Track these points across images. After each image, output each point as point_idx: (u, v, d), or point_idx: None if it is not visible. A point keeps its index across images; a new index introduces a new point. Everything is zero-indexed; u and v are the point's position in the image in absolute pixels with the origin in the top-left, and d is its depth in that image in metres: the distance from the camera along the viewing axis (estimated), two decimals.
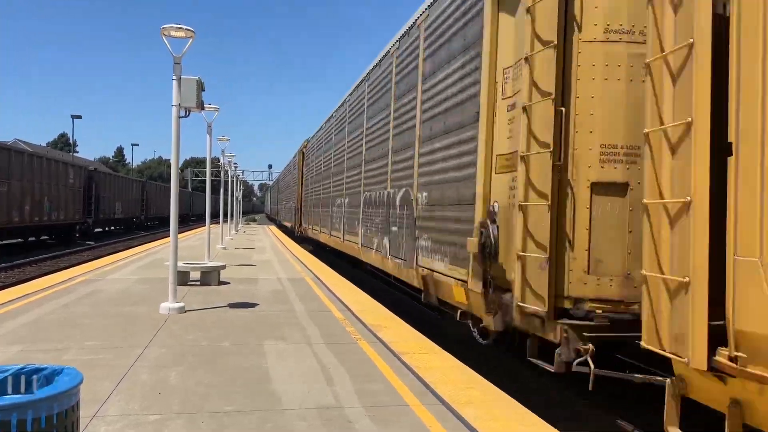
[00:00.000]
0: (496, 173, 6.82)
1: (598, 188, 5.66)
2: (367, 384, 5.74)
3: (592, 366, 5.25)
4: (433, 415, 4.91)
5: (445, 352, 7.17)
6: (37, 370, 3.01)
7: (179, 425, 4.58)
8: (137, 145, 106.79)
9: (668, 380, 4.55)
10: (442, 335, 9.63)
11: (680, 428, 4.49)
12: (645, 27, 5.03)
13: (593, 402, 6.78)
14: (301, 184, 32.03)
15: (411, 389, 5.61)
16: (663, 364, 4.85)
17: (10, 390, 2.97)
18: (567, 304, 5.67)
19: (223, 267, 13.30)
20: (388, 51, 12.63)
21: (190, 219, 77.77)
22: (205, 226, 18.09)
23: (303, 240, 31.17)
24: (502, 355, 8.77)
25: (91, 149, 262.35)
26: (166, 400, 5.13)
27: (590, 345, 5.36)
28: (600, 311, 5.52)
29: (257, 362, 6.44)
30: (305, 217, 30.11)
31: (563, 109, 5.66)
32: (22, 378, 2.99)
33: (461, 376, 6.13)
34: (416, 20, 10.42)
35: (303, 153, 31.81)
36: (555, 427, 4.81)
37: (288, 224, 42.04)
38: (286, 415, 4.83)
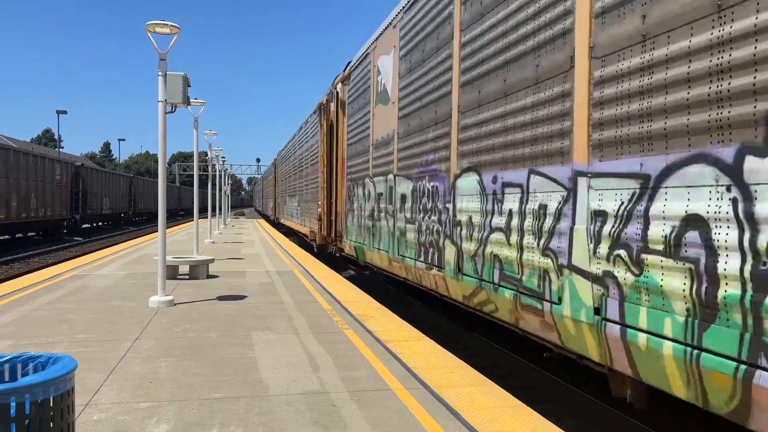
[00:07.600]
0: None
1: None
2: (353, 371, 5.93)
3: None
4: (415, 398, 5.11)
5: (429, 339, 7.37)
6: (32, 358, 3.16)
7: (170, 411, 4.74)
8: (124, 140, 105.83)
9: None
10: (428, 324, 9.83)
11: None
12: None
13: (570, 387, 7.01)
14: None
15: (395, 374, 5.80)
16: None
17: (7, 377, 3.12)
18: None
19: (212, 261, 13.43)
20: None
21: (178, 214, 77.56)
22: (193, 221, 18.15)
23: None
24: (484, 343, 8.99)
25: (76, 145, 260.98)
26: (156, 389, 5.29)
27: None
28: None
29: (245, 352, 6.61)
30: None
31: None
32: (18, 366, 3.14)
33: (444, 362, 6.32)
34: None
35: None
36: (532, 406, 5.02)
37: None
38: (273, 401, 5.01)
